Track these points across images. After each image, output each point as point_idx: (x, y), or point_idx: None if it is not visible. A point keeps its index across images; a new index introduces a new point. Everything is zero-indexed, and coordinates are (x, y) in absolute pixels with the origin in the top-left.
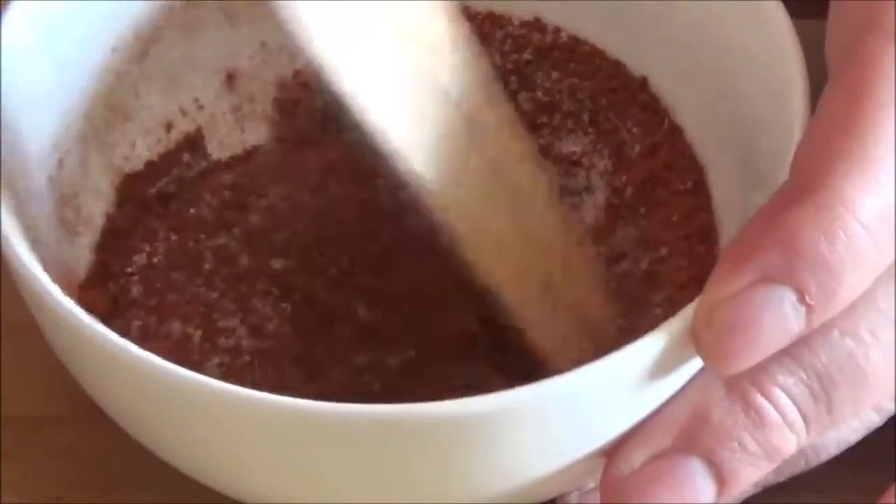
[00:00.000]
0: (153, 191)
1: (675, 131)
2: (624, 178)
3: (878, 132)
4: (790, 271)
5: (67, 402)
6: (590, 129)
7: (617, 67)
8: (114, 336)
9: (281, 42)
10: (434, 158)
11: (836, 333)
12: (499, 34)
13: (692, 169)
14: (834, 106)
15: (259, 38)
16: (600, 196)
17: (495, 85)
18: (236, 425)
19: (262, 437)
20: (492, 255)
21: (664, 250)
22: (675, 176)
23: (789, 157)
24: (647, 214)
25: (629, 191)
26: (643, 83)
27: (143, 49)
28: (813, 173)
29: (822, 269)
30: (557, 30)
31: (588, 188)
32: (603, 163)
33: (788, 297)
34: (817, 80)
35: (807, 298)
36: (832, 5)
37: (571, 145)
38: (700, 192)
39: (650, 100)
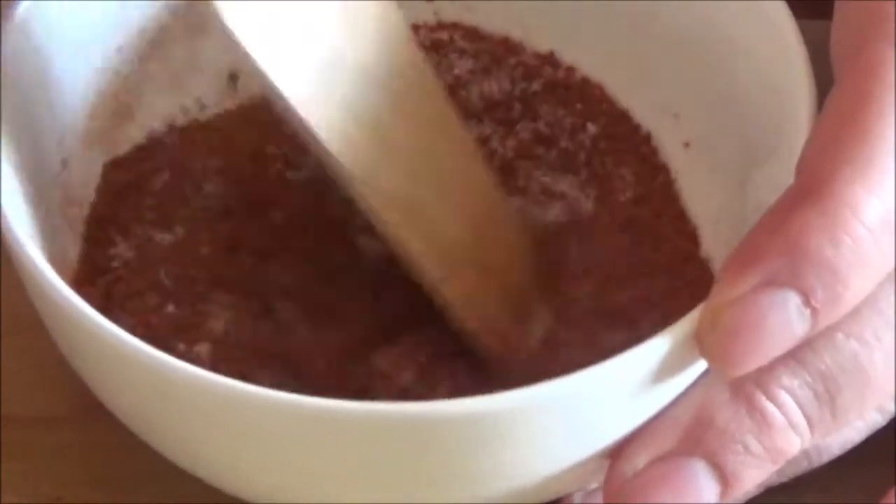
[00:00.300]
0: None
1: (669, 188)
2: (603, 222)
3: (883, 137)
4: (795, 275)
5: (67, 401)
6: (582, 171)
7: (623, 116)
8: (120, 332)
9: None
10: (359, 143)
11: (839, 336)
12: (512, 60)
13: (678, 219)
14: (839, 110)
15: None
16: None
17: (425, 65)
18: (239, 422)
19: (265, 434)
20: (426, 239)
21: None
22: (662, 223)
23: (795, 161)
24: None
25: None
26: (647, 137)
27: (148, 49)
28: (818, 177)
29: (827, 272)
30: (571, 68)
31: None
32: (586, 205)
33: (793, 300)
34: (823, 81)
35: (812, 301)
36: (837, 7)
37: (559, 183)
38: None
39: (650, 153)
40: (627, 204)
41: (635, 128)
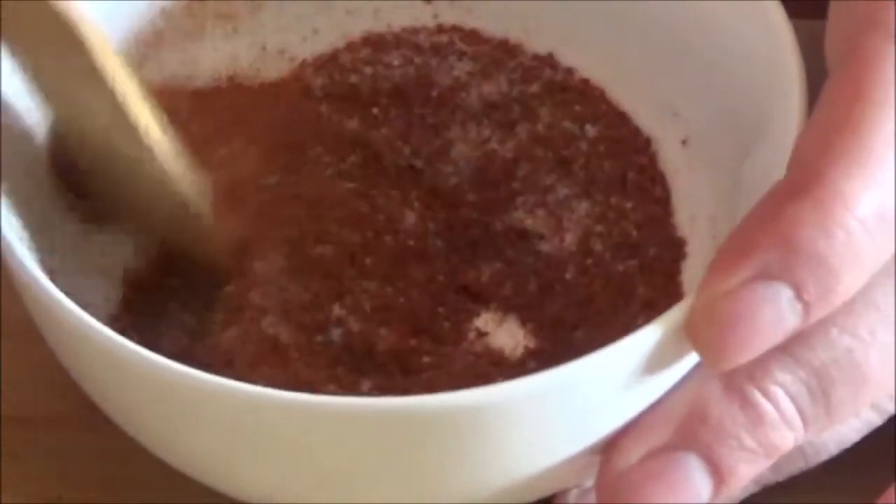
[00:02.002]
0: None
1: (665, 194)
2: (597, 228)
3: (877, 130)
4: (787, 268)
5: (67, 402)
6: (580, 173)
7: (623, 118)
8: (112, 334)
9: (280, 46)
10: None
11: (834, 331)
12: (510, 63)
13: (670, 244)
14: (833, 103)
15: (259, 42)
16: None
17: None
18: (236, 420)
19: (258, 432)
20: None
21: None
22: (653, 231)
23: (787, 157)
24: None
25: (597, 245)
26: (646, 140)
27: (144, 53)
28: (811, 169)
29: (819, 265)
30: (570, 70)
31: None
32: (583, 205)
33: (785, 293)
34: (816, 78)
35: (804, 295)
36: (832, 4)
37: (557, 185)
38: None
39: (648, 163)
40: (623, 208)
41: (634, 131)
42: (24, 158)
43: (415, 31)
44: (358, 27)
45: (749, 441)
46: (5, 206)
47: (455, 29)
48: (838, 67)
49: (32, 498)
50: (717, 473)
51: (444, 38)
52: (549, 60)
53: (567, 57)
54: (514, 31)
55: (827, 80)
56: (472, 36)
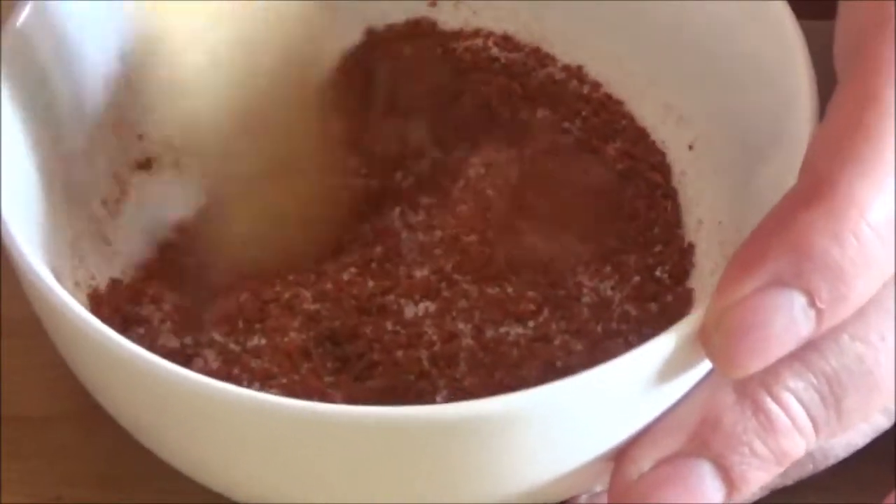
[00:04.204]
0: None
1: (675, 212)
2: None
3: (887, 136)
4: (800, 275)
5: (67, 401)
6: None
7: (641, 134)
8: (118, 337)
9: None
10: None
11: (845, 338)
12: (540, 73)
13: (678, 250)
14: (844, 109)
15: None
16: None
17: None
18: (237, 426)
19: (261, 438)
20: None
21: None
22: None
23: (798, 164)
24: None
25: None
26: (662, 158)
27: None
28: (823, 176)
29: (832, 273)
30: (597, 85)
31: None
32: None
33: (798, 300)
34: (825, 81)
35: (817, 302)
36: (840, 6)
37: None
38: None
39: (663, 180)
40: (632, 216)
41: (651, 146)
42: (29, 157)
43: (454, 34)
44: (359, 28)
45: (761, 448)
46: (8, 204)
47: (490, 35)
48: (847, 71)
49: (32, 498)
50: (729, 480)
51: (479, 43)
52: (577, 72)
53: (567, 56)
54: (522, 34)
55: (837, 84)
56: (507, 41)
